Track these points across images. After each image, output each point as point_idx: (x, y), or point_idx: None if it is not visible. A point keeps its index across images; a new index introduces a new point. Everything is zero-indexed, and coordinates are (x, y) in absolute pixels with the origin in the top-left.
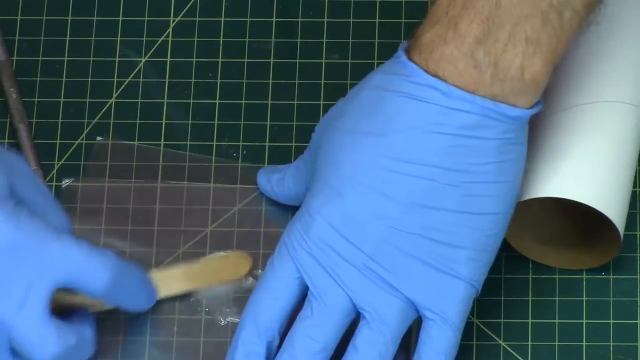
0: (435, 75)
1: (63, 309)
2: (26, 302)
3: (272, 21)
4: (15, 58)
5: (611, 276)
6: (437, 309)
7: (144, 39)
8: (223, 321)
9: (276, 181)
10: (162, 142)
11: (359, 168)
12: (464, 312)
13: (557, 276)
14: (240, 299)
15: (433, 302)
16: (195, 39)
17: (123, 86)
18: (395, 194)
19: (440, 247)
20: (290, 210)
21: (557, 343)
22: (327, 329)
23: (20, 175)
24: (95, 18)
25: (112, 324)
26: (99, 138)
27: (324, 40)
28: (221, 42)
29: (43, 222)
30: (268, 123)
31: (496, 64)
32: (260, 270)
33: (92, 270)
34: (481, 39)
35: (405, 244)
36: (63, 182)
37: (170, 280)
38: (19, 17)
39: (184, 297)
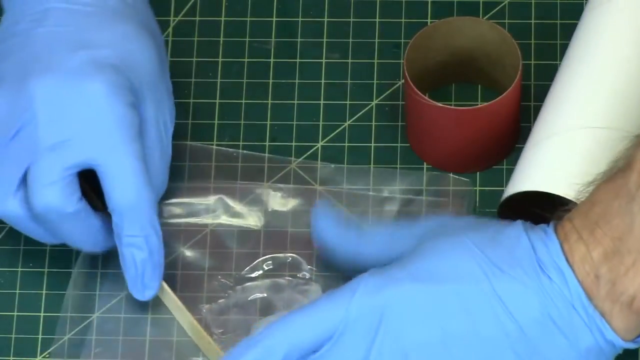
0: (568, 260)
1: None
2: (60, 150)
3: (272, 21)
4: None
5: None
6: None
7: None
8: (221, 330)
9: (346, 228)
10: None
11: (461, 277)
12: None
13: None
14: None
15: None
16: (195, 39)
17: None
18: (468, 320)
19: None
20: (291, 210)
21: None
22: None
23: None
24: None
25: (111, 323)
26: None
27: (324, 40)
28: (221, 42)
29: (133, 120)
30: (268, 123)
31: (614, 284)
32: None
33: (127, 180)
34: (609, 255)
35: None
36: None
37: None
38: None
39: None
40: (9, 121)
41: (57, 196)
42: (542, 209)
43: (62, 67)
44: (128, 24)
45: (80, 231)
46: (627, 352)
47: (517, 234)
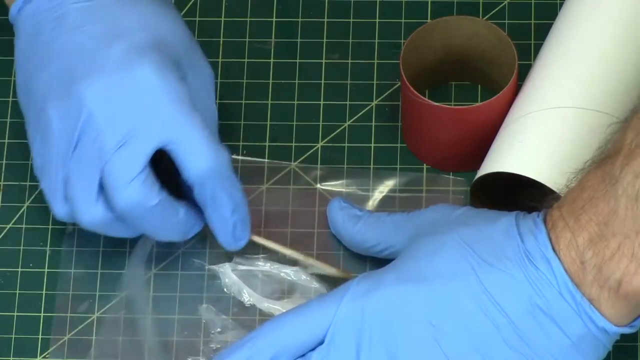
0: (554, 249)
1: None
2: (129, 145)
3: (272, 21)
4: None
5: None
6: None
7: None
8: (220, 329)
9: (350, 215)
10: None
11: (449, 275)
12: None
13: None
14: (238, 321)
15: None
16: (196, 39)
17: None
18: (458, 316)
19: None
20: (291, 211)
21: None
22: None
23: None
24: None
25: (111, 323)
26: None
27: (324, 40)
28: (221, 42)
29: (187, 92)
30: (268, 123)
31: (600, 269)
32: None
33: (199, 150)
34: (594, 240)
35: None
36: None
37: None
38: None
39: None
40: (67, 132)
41: (139, 192)
42: (533, 199)
43: (105, 64)
44: (146, 1)
45: (166, 221)
46: (626, 350)
47: (507, 226)
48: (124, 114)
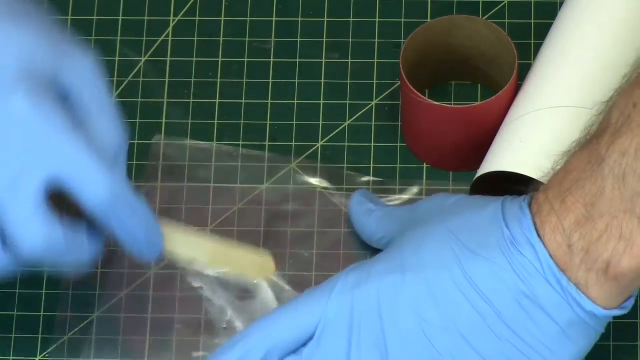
0: (539, 234)
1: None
2: (19, 185)
3: (272, 21)
4: None
5: None
6: None
7: (144, 38)
8: (224, 324)
9: (365, 210)
10: (162, 142)
11: (435, 266)
12: None
13: None
14: (241, 306)
15: None
16: (195, 39)
17: (123, 86)
18: (444, 307)
19: None
20: (291, 210)
21: None
22: None
23: (83, 76)
24: (95, 18)
25: (111, 323)
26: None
27: (324, 40)
28: (221, 42)
29: (66, 116)
30: (268, 123)
31: (587, 252)
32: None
33: (90, 177)
34: (581, 222)
35: (425, 355)
36: None
37: (183, 241)
38: None
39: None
40: None
41: (41, 228)
42: (519, 184)
43: None
44: (9, 12)
45: (71, 250)
46: (626, 350)
47: (493, 214)
48: (6, 152)
